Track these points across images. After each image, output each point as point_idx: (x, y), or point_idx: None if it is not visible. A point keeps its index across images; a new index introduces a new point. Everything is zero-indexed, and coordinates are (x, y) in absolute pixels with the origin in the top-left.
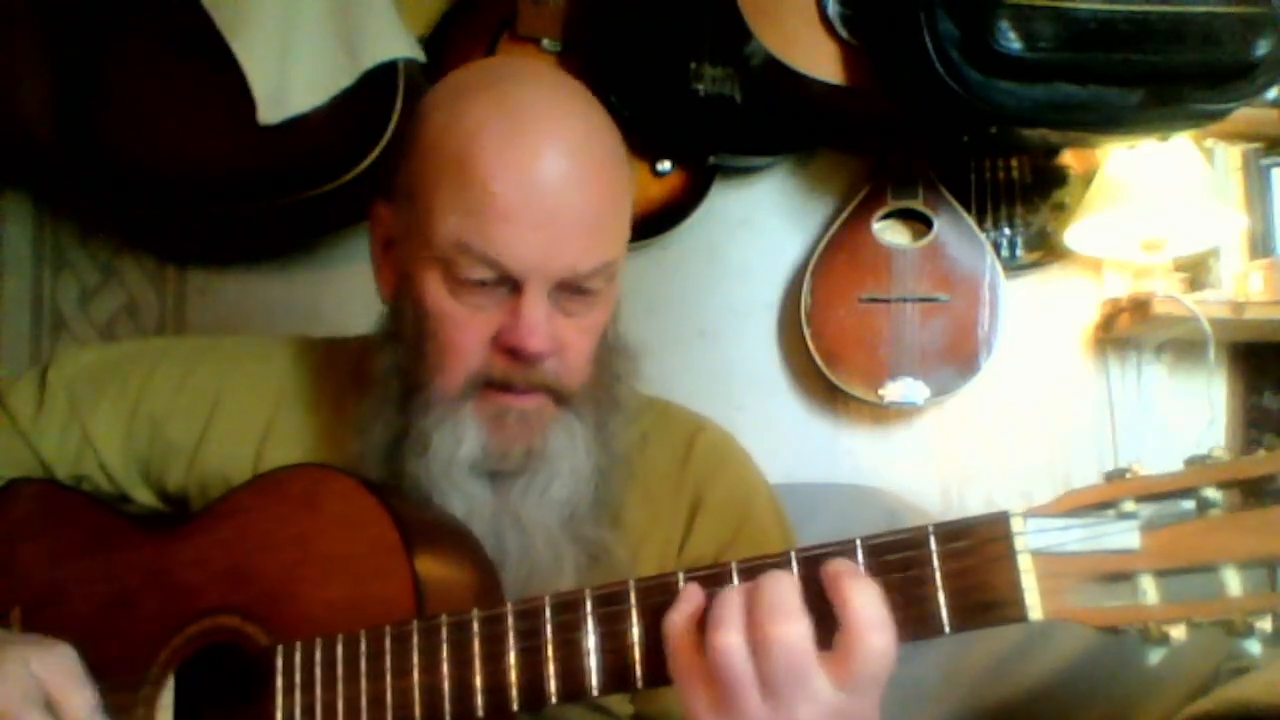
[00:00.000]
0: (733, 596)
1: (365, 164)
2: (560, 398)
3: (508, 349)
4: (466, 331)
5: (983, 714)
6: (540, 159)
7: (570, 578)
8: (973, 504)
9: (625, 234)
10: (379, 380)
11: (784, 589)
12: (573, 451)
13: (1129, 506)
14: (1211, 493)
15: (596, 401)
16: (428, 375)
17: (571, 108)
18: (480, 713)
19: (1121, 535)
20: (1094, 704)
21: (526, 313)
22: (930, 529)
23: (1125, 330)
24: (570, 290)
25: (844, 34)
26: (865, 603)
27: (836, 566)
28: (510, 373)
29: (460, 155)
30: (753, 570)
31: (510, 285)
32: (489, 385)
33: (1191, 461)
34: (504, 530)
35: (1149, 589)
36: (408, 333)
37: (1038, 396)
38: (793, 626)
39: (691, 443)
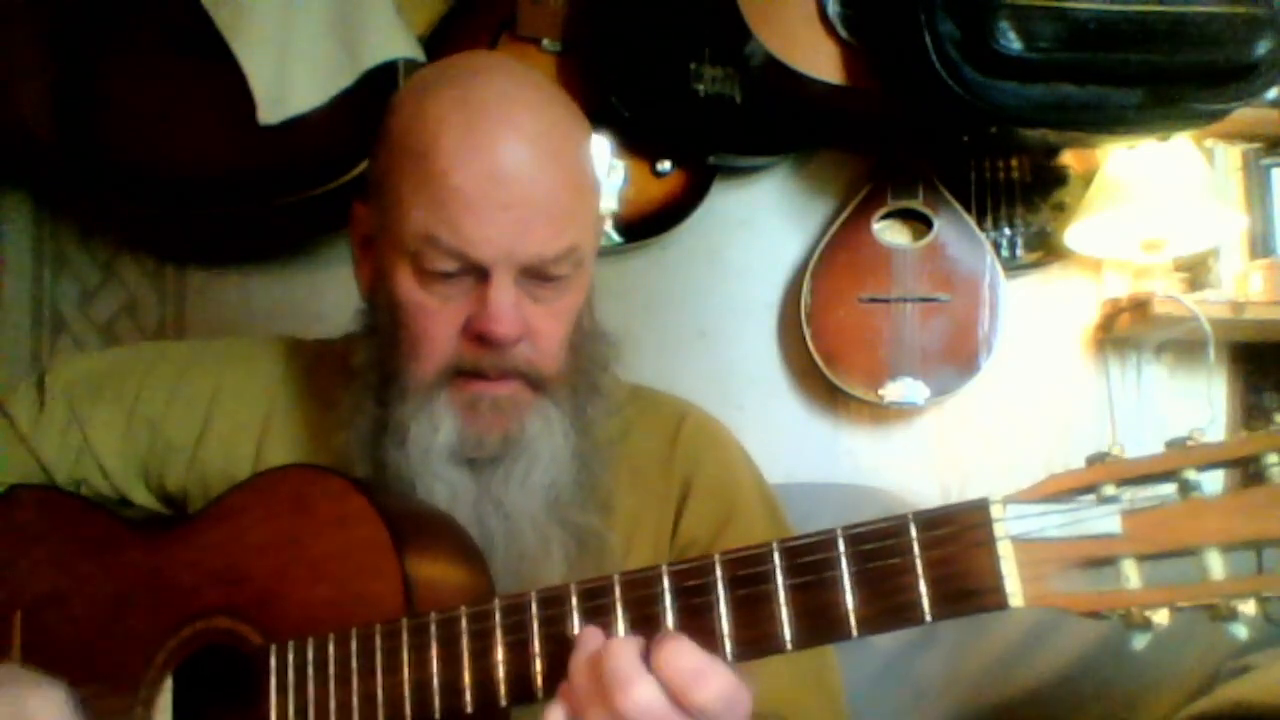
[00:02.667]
0: (582, 680)
1: (365, 164)
2: (535, 384)
3: (477, 336)
4: (437, 321)
5: (983, 714)
6: (499, 149)
7: (559, 563)
8: None
9: (592, 221)
10: (360, 373)
11: (620, 659)
12: (550, 437)
13: (1110, 490)
14: (1193, 475)
15: (574, 387)
16: (403, 365)
17: (531, 99)
18: (469, 709)
19: (1102, 520)
20: (1094, 704)
21: (493, 299)
22: (910, 517)
23: (1125, 330)
24: (538, 277)
25: (844, 34)
26: (676, 666)
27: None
28: (481, 360)
29: (423, 149)
30: (736, 563)
31: (478, 274)
32: (461, 374)
33: (1173, 444)
34: (487, 517)
35: (1131, 574)
36: (383, 325)
37: (1038, 396)
38: (634, 691)
39: (679, 426)
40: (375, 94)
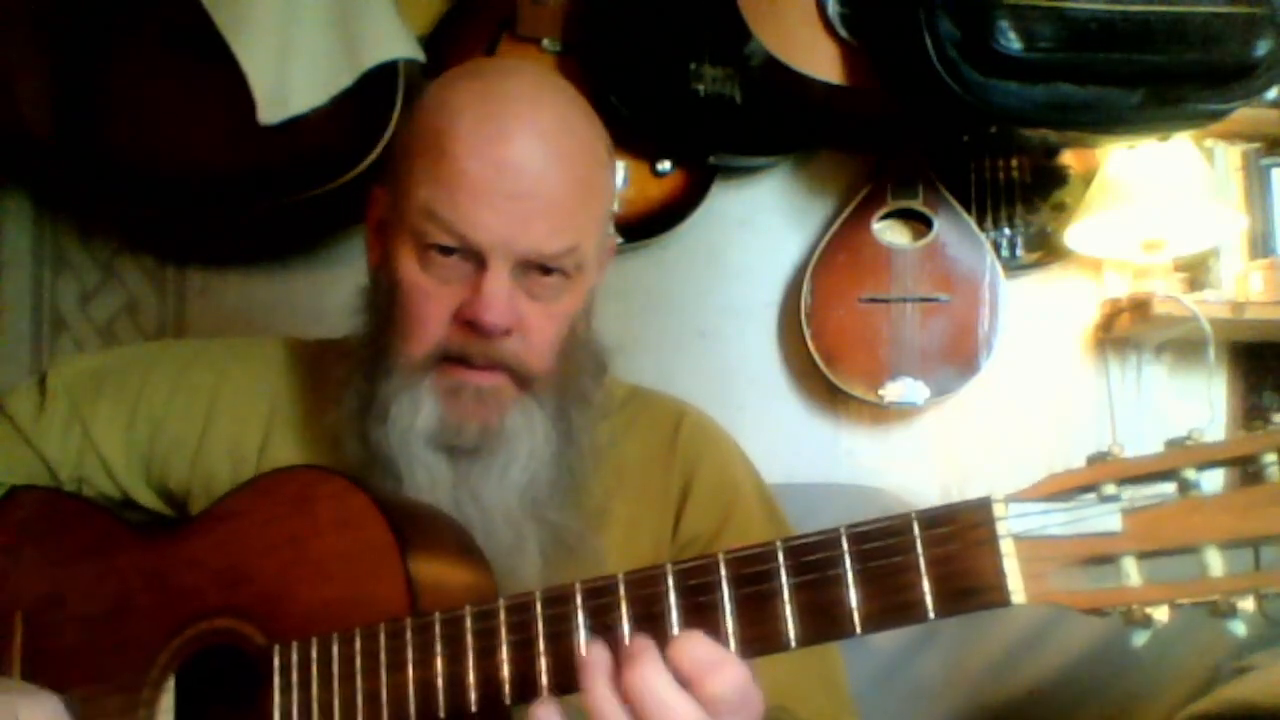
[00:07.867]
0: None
1: (365, 164)
2: (520, 380)
3: (467, 322)
4: (431, 303)
5: (983, 714)
6: (512, 140)
7: (535, 559)
8: None
9: (596, 226)
10: (353, 350)
11: (651, 680)
12: (531, 435)
13: (1110, 489)
14: (1193, 474)
15: (561, 391)
16: (393, 344)
17: (550, 101)
18: (474, 708)
19: (1103, 518)
20: (1094, 703)
21: (487, 287)
22: (913, 515)
23: (1125, 330)
24: (536, 272)
25: (844, 34)
26: (692, 656)
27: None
28: (469, 346)
29: (439, 132)
30: (740, 562)
31: (477, 261)
32: (448, 359)
33: (1172, 444)
34: (464, 507)
35: (1131, 571)
36: (381, 303)
37: (1038, 396)
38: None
39: (677, 426)
40: (375, 94)
